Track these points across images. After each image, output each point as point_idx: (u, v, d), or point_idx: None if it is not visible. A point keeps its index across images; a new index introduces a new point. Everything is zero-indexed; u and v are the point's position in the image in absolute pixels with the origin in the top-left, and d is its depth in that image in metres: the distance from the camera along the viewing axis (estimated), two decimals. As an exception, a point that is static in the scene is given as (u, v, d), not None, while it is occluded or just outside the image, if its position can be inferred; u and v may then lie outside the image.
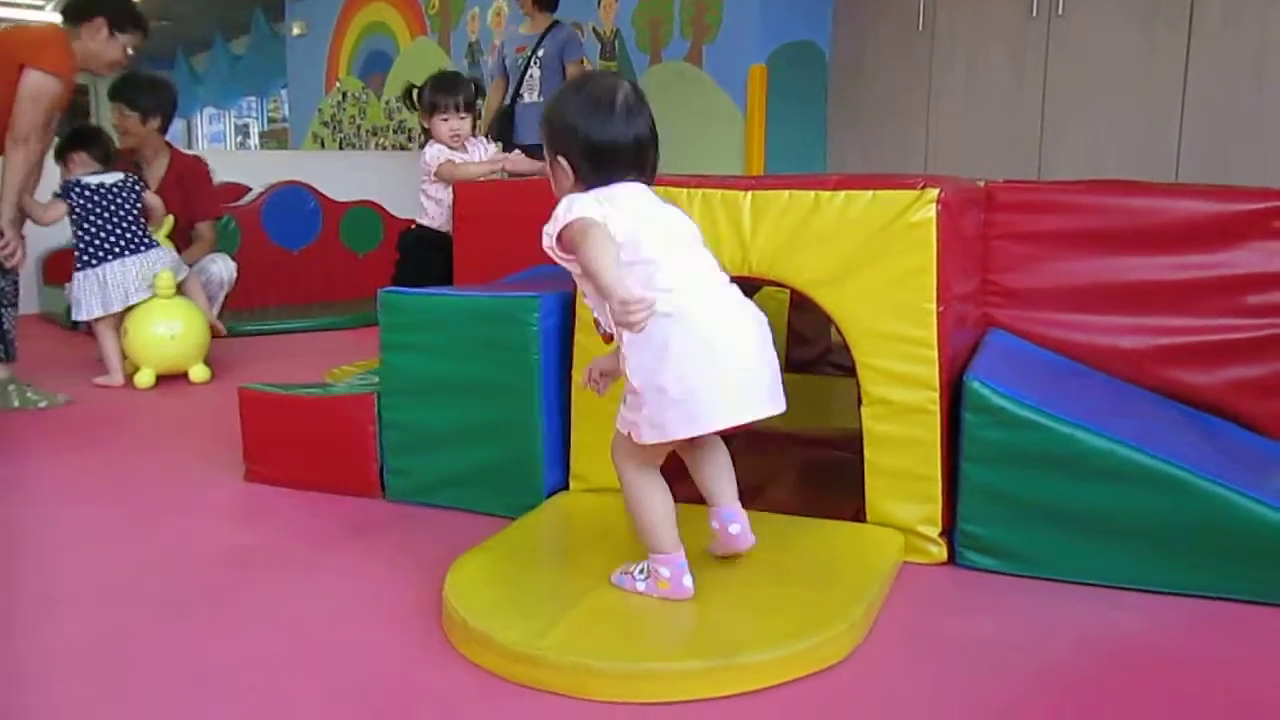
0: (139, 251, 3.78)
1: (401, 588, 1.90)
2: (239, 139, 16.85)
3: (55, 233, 5.51)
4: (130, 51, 3.64)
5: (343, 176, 6.47)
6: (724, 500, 1.76)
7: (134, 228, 3.80)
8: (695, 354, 1.58)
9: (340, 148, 10.25)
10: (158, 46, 15.77)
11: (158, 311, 3.76)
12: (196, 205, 4.35)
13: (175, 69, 15.48)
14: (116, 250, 3.75)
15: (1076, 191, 2.35)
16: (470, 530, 2.14)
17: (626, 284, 1.53)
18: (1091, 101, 4.52)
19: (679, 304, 1.58)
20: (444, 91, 3.43)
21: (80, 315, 3.82)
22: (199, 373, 3.84)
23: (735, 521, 1.75)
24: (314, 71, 10.69)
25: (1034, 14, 4.67)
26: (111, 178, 3.84)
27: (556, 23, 5.20)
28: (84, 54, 3.52)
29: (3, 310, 3.42)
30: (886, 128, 5.29)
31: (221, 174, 5.57)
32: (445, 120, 3.41)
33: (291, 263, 5.79)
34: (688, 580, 1.69)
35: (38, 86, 3.31)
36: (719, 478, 1.76)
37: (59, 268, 5.33)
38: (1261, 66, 3.99)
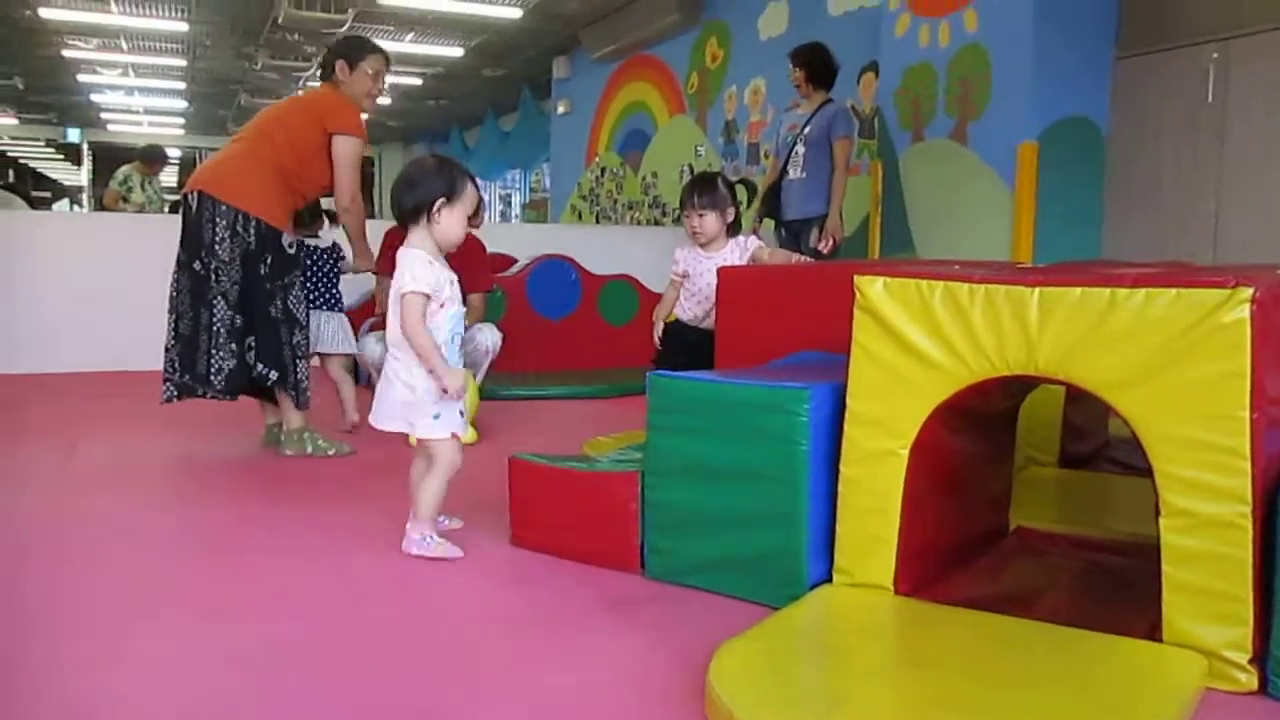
0: (329, 309, 4.23)
1: (661, 668, 1.91)
2: (501, 208, 17.91)
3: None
4: (379, 78, 3.90)
5: (601, 250, 6.73)
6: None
7: (323, 285, 4.21)
8: None
9: (596, 220, 10.71)
10: (436, 123, 17.12)
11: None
12: (471, 279, 4.59)
13: (450, 143, 16.75)
14: (313, 302, 4.12)
15: None
16: (729, 616, 2.13)
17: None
18: None
19: None
20: (685, 190, 3.60)
21: None
22: (468, 435, 4.06)
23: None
24: (575, 147, 11.26)
25: (1343, 82, 4.29)
26: (319, 242, 4.23)
27: (829, 100, 5.23)
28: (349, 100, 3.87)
29: (298, 362, 3.76)
30: (1169, 206, 4.97)
31: (489, 245, 5.92)
32: (687, 218, 3.57)
33: (551, 331, 6.06)
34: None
35: (352, 151, 3.75)
36: (417, 489, 2.65)
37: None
38: None
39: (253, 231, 3.62)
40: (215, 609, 2.24)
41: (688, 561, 2.36)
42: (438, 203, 2.57)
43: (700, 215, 3.50)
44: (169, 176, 16.00)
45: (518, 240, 7.00)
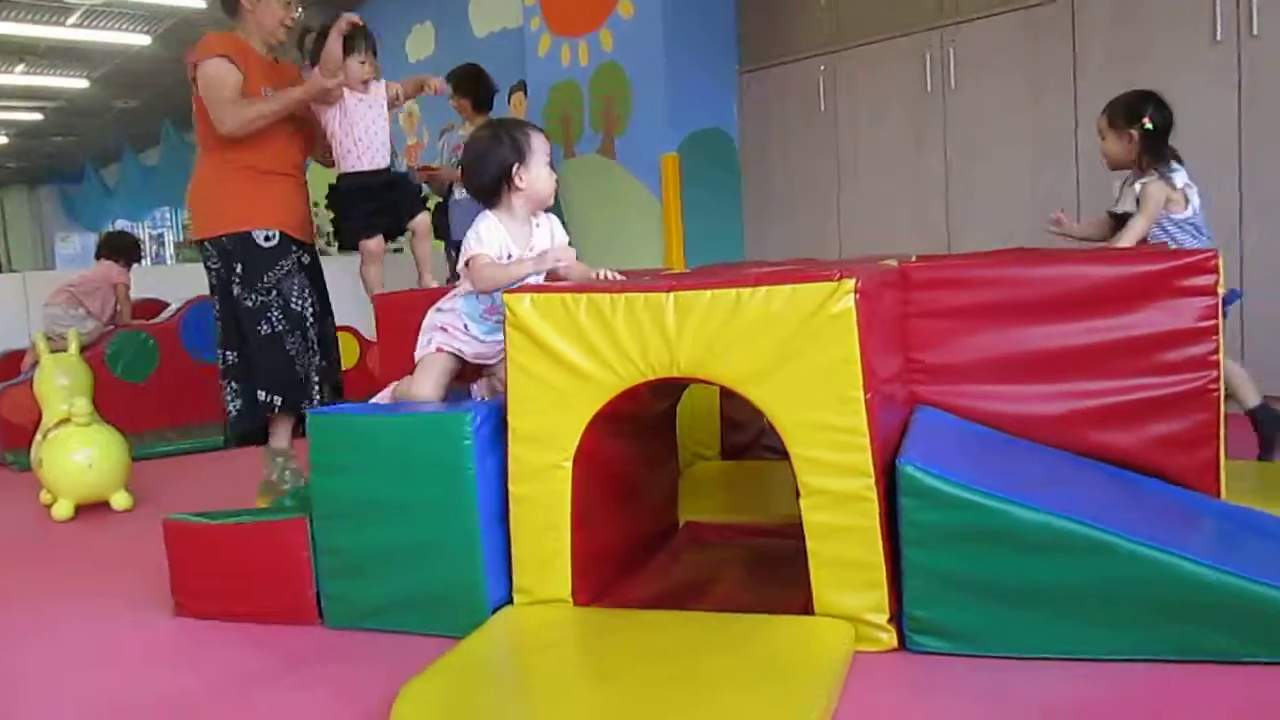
0: None
1: (347, 722, 1.84)
2: (154, 249, 16.65)
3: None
4: (294, 4, 3.41)
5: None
6: None
7: None
8: None
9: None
10: (65, 162, 15.60)
11: (74, 439, 3.64)
12: None
13: (85, 182, 15.34)
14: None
15: (985, 265, 2.42)
16: (415, 654, 2.08)
17: None
18: (992, 167, 4.68)
19: None
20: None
21: None
22: (121, 500, 3.73)
23: None
24: (227, 179, 10.62)
25: (928, 89, 4.84)
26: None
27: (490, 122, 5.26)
28: (257, 33, 3.34)
29: (313, 377, 3.36)
30: (800, 207, 5.41)
31: (138, 289, 5.48)
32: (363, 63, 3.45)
33: (213, 377, 5.65)
34: None
35: (209, 75, 3.19)
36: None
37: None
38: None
39: (216, 255, 3.28)
40: None
41: (367, 605, 2.28)
42: (514, 169, 2.42)
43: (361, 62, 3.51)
44: None
45: (173, 282, 6.49)
